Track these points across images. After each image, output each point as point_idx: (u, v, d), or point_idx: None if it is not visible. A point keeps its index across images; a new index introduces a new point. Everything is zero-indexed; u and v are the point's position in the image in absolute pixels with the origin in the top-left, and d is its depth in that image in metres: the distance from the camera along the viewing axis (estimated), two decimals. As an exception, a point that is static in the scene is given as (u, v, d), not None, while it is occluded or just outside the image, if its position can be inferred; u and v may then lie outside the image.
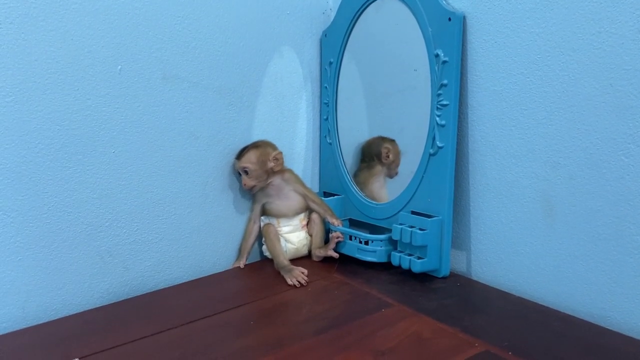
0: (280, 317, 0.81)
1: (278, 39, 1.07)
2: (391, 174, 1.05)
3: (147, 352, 0.72)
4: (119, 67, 0.90)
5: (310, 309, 0.82)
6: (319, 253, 1.00)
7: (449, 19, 0.86)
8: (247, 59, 1.03)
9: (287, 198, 1.02)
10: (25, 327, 0.83)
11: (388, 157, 1.04)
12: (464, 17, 0.86)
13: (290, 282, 0.91)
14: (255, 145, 1.00)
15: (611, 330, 0.71)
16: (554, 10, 0.74)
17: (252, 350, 0.71)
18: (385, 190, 1.07)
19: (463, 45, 0.86)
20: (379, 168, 1.07)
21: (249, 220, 1.04)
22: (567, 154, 0.76)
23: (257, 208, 1.03)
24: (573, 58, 0.73)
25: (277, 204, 1.01)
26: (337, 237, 0.99)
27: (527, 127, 0.80)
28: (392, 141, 1.04)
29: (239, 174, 1.01)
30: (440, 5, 0.86)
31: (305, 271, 0.93)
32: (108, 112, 0.89)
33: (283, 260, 0.97)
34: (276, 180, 1.01)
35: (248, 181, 0.99)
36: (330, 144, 1.11)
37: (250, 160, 0.98)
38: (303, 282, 0.91)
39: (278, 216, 1.01)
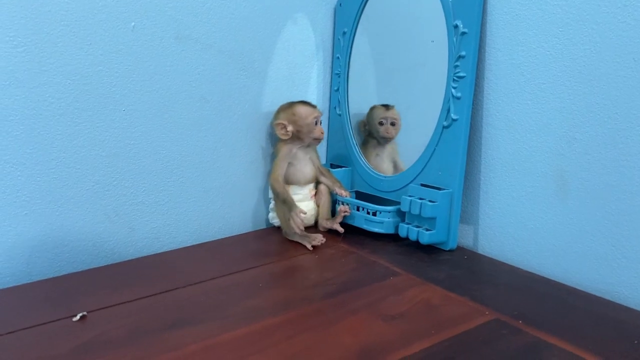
0: (288, 281, 0.81)
1: (293, 5, 1.05)
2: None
3: (154, 310, 0.72)
4: (133, 23, 0.88)
5: (319, 275, 0.82)
6: (325, 224, 1.00)
7: (470, -11, 0.85)
8: (261, 24, 1.02)
9: (306, 165, 1.00)
10: (29, 282, 0.83)
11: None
12: (486, -12, 0.85)
13: (310, 247, 0.92)
14: None
15: (620, 304, 0.72)
16: (580, -18, 0.73)
17: (261, 310, 0.71)
18: (385, 160, 1.07)
19: (483, 16, 0.85)
20: (369, 138, 1.08)
21: (277, 179, 0.97)
22: (584, 129, 0.76)
23: (285, 167, 0.99)
24: (596, 31, 0.72)
25: (296, 169, 1.00)
26: (345, 212, 0.98)
27: (545, 101, 0.80)
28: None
29: (315, 123, 0.98)
30: (461, -25, 0.86)
31: (323, 239, 0.94)
32: (120, 70, 0.88)
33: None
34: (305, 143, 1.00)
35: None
36: (339, 115, 1.10)
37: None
38: (320, 242, 0.93)
39: (292, 183, 1.00)
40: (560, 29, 0.77)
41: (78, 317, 0.69)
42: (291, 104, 0.98)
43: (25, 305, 0.74)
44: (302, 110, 0.97)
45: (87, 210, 0.89)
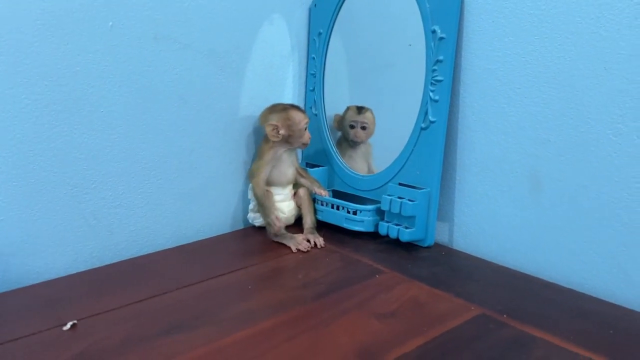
0: (277, 282, 0.82)
1: (269, 5, 1.06)
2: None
3: (145, 316, 0.71)
4: (110, 23, 0.86)
5: (306, 275, 0.84)
6: (309, 237, 0.98)
7: (448, -4, 0.88)
8: (239, 24, 1.02)
9: (288, 167, 1.01)
10: (7, 290, 0.80)
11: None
12: (463, -5, 0.88)
13: (295, 249, 0.93)
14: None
15: (592, 296, 0.77)
16: (555, -7, 0.77)
17: (255, 313, 0.72)
18: (357, 161, 1.09)
19: (460, 22, 0.89)
20: (345, 141, 1.10)
21: (258, 183, 0.98)
22: (558, 132, 0.80)
23: (269, 170, 1.00)
24: (570, 40, 0.77)
25: (279, 171, 1.00)
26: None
27: (520, 105, 0.84)
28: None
29: (305, 129, 0.99)
30: (439, -19, 0.88)
31: (309, 246, 0.95)
32: (97, 70, 0.86)
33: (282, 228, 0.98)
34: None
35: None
36: (316, 115, 1.11)
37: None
38: (306, 249, 0.93)
39: (273, 184, 1.00)
40: (536, 37, 0.81)
41: (68, 325, 0.68)
42: (285, 108, 0.98)
43: (8, 315, 0.72)
44: (296, 115, 0.98)
45: (65, 215, 0.86)
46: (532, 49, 0.81)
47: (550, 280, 0.82)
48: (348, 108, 1.08)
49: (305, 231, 1.00)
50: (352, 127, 1.06)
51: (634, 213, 0.74)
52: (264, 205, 0.98)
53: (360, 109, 1.06)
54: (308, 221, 1.01)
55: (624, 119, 0.73)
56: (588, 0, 0.74)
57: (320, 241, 0.96)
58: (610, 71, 0.73)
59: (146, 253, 0.94)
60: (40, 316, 0.71)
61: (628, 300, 0.75)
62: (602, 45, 0.74)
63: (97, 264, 0.90)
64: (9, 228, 0.81)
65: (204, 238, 1.01)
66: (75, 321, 0.69)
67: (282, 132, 0.97)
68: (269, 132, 0.97)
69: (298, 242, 0.94)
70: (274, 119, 0.97)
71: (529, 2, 0.81)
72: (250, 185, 1.01)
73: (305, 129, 0.99)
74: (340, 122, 1.09)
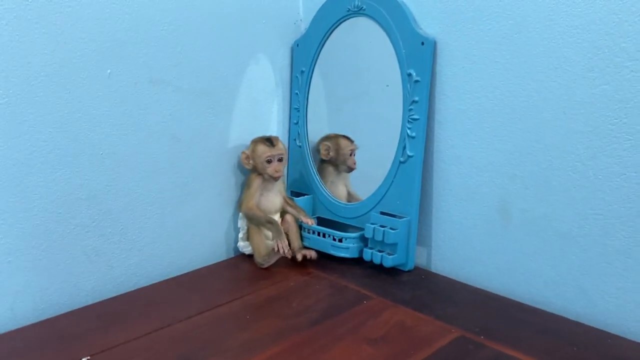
0: (273, 310, 0.89)
1: (254, 46, 1.12)
2: (341, 168, 1.16)
3: (155, 349, 0.77)
4: (109, 70, 0.92)
5: (300, 302, 0.90)
6: (303, 253, 1.06)
7: (422, 43, 0.96)
8: (227, 65, 1.08)
9: (275, 195, 1.09)
10: (15, 327, 0.84)
11: (328, 154, 1.15)
12: (435, 42, 0.97)
13: (276, 249, 1.03)
14: (276, 137, 1.09)
15: (556, 315, 0.86)
16: (519, 45, 0.87)
17: (257, 341, 0.78)
18: (338, 186, 1.17)
19: (433, 67, 0.97)
20: (326, 166, 1.17)
21: (248, 206, 1.06)
22: (523, 167, 0.89)
23: (257, 197, 1.07)
24: (532, 87, 0.86)
25: (267, 199, 1.08)
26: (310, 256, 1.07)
27: (489, 142, 0.93)
28: (337, 137, 1.14)
29: (268, 161, 1.05)
30: (414, 30, 0.97)
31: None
32: (97, 115, 0.91)
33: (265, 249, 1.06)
34: None
35: (282, 168, 1.07)
36: (300, 146, 1.18)
37: (285, 148, 1.08)
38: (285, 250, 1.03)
39: (263, 211, 1.07)
40: (502, 82, 0.90)
41: (84, 362, 0.73)
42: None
43: (22, 353, 0.76)
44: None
45: (69, 252, 0.91)
46: (499, 93, 0.91)
47: (520, 301, 0.91)
48: (337, 137, 1.14)
49: (296, 250, 1.07)
50: (351, 154, 1.14)
51: (591, 240, 0.83)
52: (255, 216, 1.05)
53: (350, 139, 1.14)
54: (296, 244, 1.09)
55: (580, 157, 0.83)
56: (548, 52, 0.83)
57: (312, 253, 1.05)
58: (569, 115, 0.83)
59: (144, 285, 0.99)
60: (54, 353, 0.76)
61: (587, 317, 0.85)
62: (560, 93, 0.83)
63: (99, 298, 0.94)
64: (16, 268, 0.86)
65: (197, 268, 1.07)
66: (89, 357, 0.74)
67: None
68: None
69: (283, 242, 1.03)
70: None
71: (496, 52, 0.90)
72: (240, 214, 1.08)
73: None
74: (333, 150, 1.15)
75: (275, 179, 1.07)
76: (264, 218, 1.05)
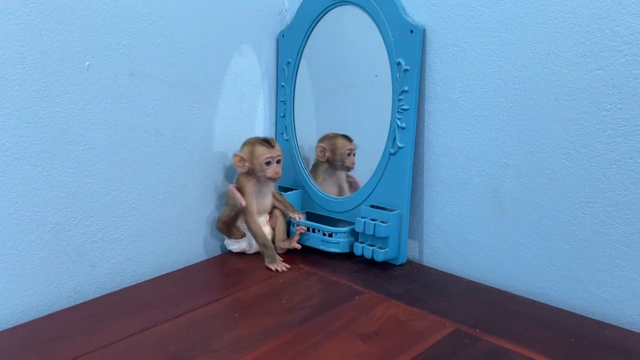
0: (262, 308, 0.86)
1: (238, 37, 1.09)
2: (339, 168, 1.13)
3: (143, 349, 0.74)
4: (87, 63, 0.88)
5: (290, 299, 0.88)
6: (283, 245, 1.06)
7: (411, 31, 0.94)
8: (210, 57, 1.05)
9: (267, 196, 1.06)
10: (-4, 331, 0.81)
11: (324, 155, 1.11)
12: (424, 30, 0.94)
13: (273, 269, 0.99)
14: (272, 138, 1.06)
15: (552, 306, 0.85)
16: (510, 31, 0.85)
17: (247, 340, 0.76)
18: (331, 183, 1.14)
19: (422, 56, 0.95)
20: (322, 163, 1.14)
21: (255, 221, 1.04)
22: (516, 156, 0.88)
23: (254, 201, 1.04)
24: (524, 74, 0.84)
25: (260, 201, 1.05)
26: (301, 230, 1.05)
27: (480, 132, 0.91)
28: (335, 137, 1.11)
29: (267, 163, 1.02)
30: (402, 18, 0.95)
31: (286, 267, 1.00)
32: (76, 109, 0.88)
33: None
34: None
35: (280, 170, 1.04)
36: (287, 140, 1.16)
37: (281, 148, 1.05)
38: (283, 270, 0.99)
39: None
40: (494, 70, 0.88)
41: (67, 365, 0.70)
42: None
43: (4, 358, 0.73)
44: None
45: (49, 252, 0.88)
46: (490, 80, 0.89)
47: (514, 292, 0.90)
48: (334, 137, 1.11)
49: (277, 243, 1.06)
50: (349, 154, 1.10)
51: (587, 229, 0.82)
52: (266, 246, 1.03)
53: (348, 138, 1.10)
54: (280, 234, 1.07)
55: (574, 144, 0.81)
56: (539, 38, 0.82)
57: (296, 245, 1.04)
58: (561, 102, 0.81)
59: (128, 285, 0.96)
60: (37, 357, 0.72)
61: (583, 308, 0.83)
62: (552, 79, 0.82)
63: (82, 299, 0.91)
64: (-7, 270, 0.82)
65: (183, 267, 1.04)
66: (72, 361, 0.71)
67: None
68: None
69: (277, 263, 1.00)
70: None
71: (486, 38, 0.88)
72: (250, 227, 1.05)
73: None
74: (330, 151, 1.12)
75: (274, 180, 1.04)
76: (260, 239, 1.03)
